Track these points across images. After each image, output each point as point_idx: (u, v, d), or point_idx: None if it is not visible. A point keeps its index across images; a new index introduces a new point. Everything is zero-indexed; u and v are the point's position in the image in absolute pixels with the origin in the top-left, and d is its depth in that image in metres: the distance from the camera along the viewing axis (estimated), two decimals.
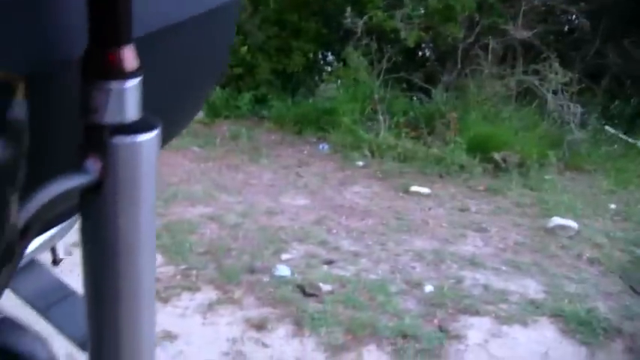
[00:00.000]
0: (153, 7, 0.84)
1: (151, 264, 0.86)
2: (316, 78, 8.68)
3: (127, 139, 0.75)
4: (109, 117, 0.73)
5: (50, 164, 0.67)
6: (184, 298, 3.61)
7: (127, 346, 0.88)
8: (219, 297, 3.66)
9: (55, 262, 1.75)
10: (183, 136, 6.61)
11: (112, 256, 0.81)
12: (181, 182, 5.47)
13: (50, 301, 1.36)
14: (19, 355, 0.63)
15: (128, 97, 0.74)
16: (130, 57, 0.74)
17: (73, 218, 1.33)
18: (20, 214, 0.63)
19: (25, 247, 0.69)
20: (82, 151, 0.74)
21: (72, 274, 3.23)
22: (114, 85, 0.73)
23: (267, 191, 5.51)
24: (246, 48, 7.84)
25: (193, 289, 3.70)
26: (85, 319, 0.88)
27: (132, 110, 0.75)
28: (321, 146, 6.91)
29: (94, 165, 0.74)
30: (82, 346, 1.21)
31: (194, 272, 3.89)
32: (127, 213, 0.79)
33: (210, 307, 3.55)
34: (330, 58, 8.75)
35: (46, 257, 1.75)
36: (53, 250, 1.72)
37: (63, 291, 1.51)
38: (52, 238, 1.54)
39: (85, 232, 0.81)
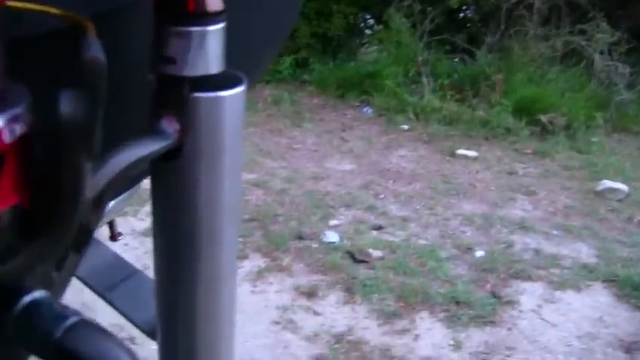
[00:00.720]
0: None
1: (233, 240, 0.76)
2: (357, 41, 8.58)
3: (211, 95, 0.63)
4: (189, 68, 0.61)
5: (116, 125, 0.55)
6: None
7: (204, 334, 0.78)
8: (267, 264, 3.66)
9: (114, 237, 1.60)
10: None
11: (190, 231, 0.70)
12: None
13: (111, 281, 1.24)
14: None
15: (211, 44, 0.61)
16: None
17: (133, 189, 1.23)
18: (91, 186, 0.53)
19: (97, 223, 0.60)
20: (156, 109, 0.64)
21: None
22: (195, 29, 0.60)
23: (311, 156, 5.48)
24: None
25: (241, 256, 3.70)
26: (156, 303, 0.78)
27: (215, 61, 0.63)
28: (364, 110, 6.84)
29: (170, 126, 0.63)
30: (149, 332, 1.11)
31: (241, 239, 3.87)
32: (209, 183, 0.68)
33: (259, 274, 3.56)
34: (372, 21, 8.63)
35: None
36: (111, 225, 1.58)
37: (125, 270, 1.36)
38: (109, 211, 1.39)
39: (157, 204, 0.71)
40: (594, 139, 6.21)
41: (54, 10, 0.50)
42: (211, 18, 0.61)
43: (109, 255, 1.44)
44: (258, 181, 4.77)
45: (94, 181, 0.52)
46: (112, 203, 1.18)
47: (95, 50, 0.48)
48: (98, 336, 0.54)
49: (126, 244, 3.61)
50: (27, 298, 0.52)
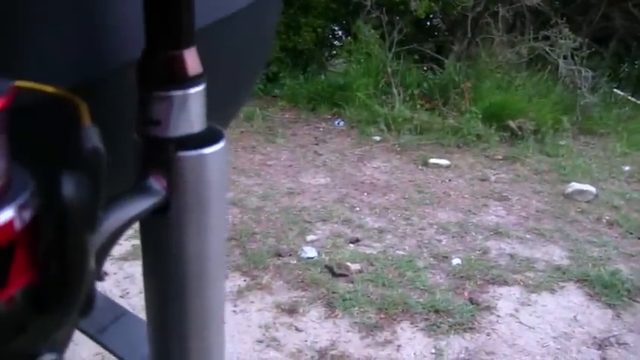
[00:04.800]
0: (205, 2, 0.74)
1: (221, 288, 0.80)
2: (327, 54, 8.65)
3: (194, 153, 0.66)
4: (173, 129, 0.65)
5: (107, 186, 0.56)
6: None
7: None
8: (247, 283, 3.68)
9: (100, 277, 1.62)
10: None
11: (179, 280, 0.73)
12: None
13: (103, 323, 1.25)
14: None
15: (193, 105, 0.66)
16: (193, 60, 0.66)
17: None
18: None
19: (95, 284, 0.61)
20: (143, 168, 0.67)
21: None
22: (177, 93, 0.64)
23: (286, 171, 5.54)
24: None
25: None
26: (150, 347, 0.81)
27: (197, 120, 0.67)
28: (336, 122, 6.92)
29: (157, 183, 0.66)
30: None
31: None
32: (196, 236, 0.71)
33: (240, 294, 3.57)
34: (340, 33, 8.70)
35: None
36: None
37: (115, 311, 1.36)
38: None
39: (148, 256, 0.74)
40: (562, 143, 6.37)
41: (49, 89, 0.52)
42: (192, 81, 0.65)
43: (98, 297, 1.45)
44: (235, 200, 4.80)
45: (93, 256, 0.54)
46: None
47: (94, 139, 0.51)
48: None
49: (104, 271, 3.62)
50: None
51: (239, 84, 1.11)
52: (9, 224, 0.47)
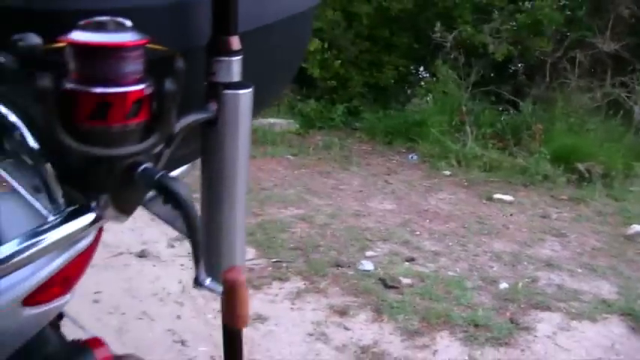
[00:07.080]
0: (249, 13, 1.27)
1: (244, 175, 1.31)
2: (409, 91, 8.94)
3: (232, 92, 1.20)
4: (222, 78, 1.19)
5: (187, 105, 1.12)
6: (275, 286, 3.96)
7: (226, 228, 1.35)
8: (306, 286, 3.99)
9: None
10: (277, 145, 7.07)
11: (219, 176, 1.28)
12: (275, 186, 5.85)
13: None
14: (175, 193, 1.07)
15: (233, 66, 1.20)
16: (235, 42, 1.19)
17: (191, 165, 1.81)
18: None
19: (170, 148, 1.17)
20: (205, 98, 1.21)
21: (174, 263, 3.74)
22: (225, 58, 1.19)
23: (355, 196, 5.83)
24: (339, 62, 8.20)
25: (283, 279, 4.05)
26: (201, 210, 1.32)
27: (235, 75, 1.21)
28: (410, 156, 7.17)
29: (212, 107, 1.20)
30: (178, 229, 1.67)
31: (284, 265, 4.23)
32: (231, 144, 1.25)
33: (298, 294, 3.89)
34: (422, 72, 8.98)
35: None
36: None
37: None
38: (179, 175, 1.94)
39: (204, 151, 1.28)
40: (632, 189, 6.39)
41: (164, 48, 1.05)
42: (234, 53, 1.19)
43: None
44: (304, 216, 5.13)
45: (175, 125, 1.10)
46: (182, 169, 1.81)
47: (181, 66, 1.05)
48: (174, 179, 1.07)
49: (182, 265, 4.02)
50: (143, 166, 1.07)
51: (274, 76, 1.57)
52: (142, 90, 1.01)
